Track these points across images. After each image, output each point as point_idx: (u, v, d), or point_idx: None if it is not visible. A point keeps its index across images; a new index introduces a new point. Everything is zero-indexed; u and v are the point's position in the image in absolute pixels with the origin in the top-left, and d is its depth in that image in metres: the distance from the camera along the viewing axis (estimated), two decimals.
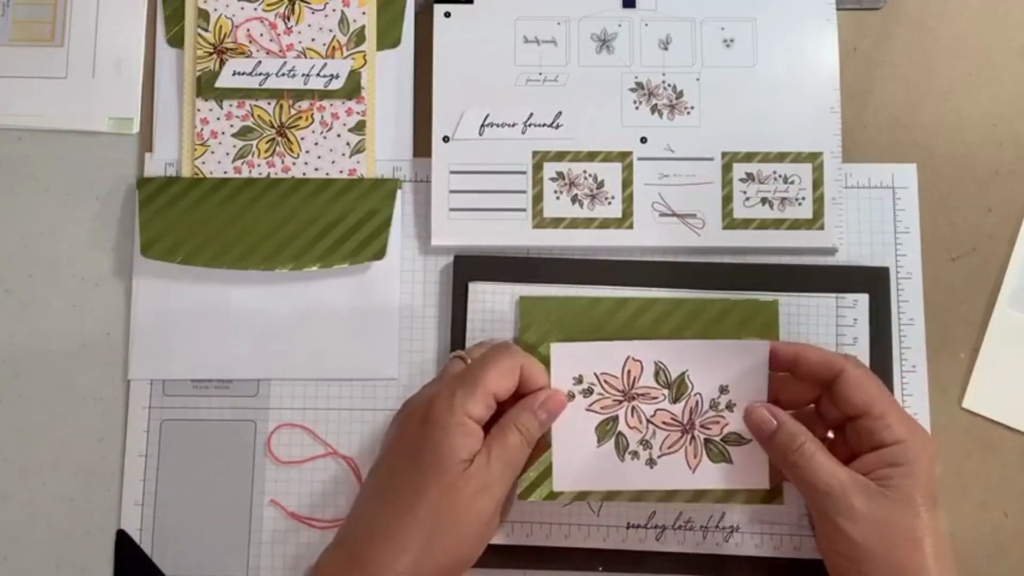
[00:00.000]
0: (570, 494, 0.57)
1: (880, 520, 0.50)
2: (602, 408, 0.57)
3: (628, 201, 0.62)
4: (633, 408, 0.57)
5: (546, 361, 0.57)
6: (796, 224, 0.62)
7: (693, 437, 0.56)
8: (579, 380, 0.57)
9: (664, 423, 0.56)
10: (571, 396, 0.57)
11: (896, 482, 0.51)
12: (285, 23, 0.64)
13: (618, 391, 0.57)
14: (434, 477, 0.51)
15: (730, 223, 0.62)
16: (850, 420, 0.54)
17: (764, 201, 0.62)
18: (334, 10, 0.64)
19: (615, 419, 0.56)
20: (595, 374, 0.57)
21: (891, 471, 0.51)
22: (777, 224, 0.62)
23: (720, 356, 0.56)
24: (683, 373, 0.57)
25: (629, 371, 0.57)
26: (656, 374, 0.57)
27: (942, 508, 0.51)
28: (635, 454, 0.56)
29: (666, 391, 0.57)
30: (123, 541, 0.60)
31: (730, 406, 0.56)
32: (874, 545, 0.50)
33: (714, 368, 0.56)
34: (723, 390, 0.56)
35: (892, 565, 0.50)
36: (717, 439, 0.56)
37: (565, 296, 0.60)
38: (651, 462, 0.56)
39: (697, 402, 0.56)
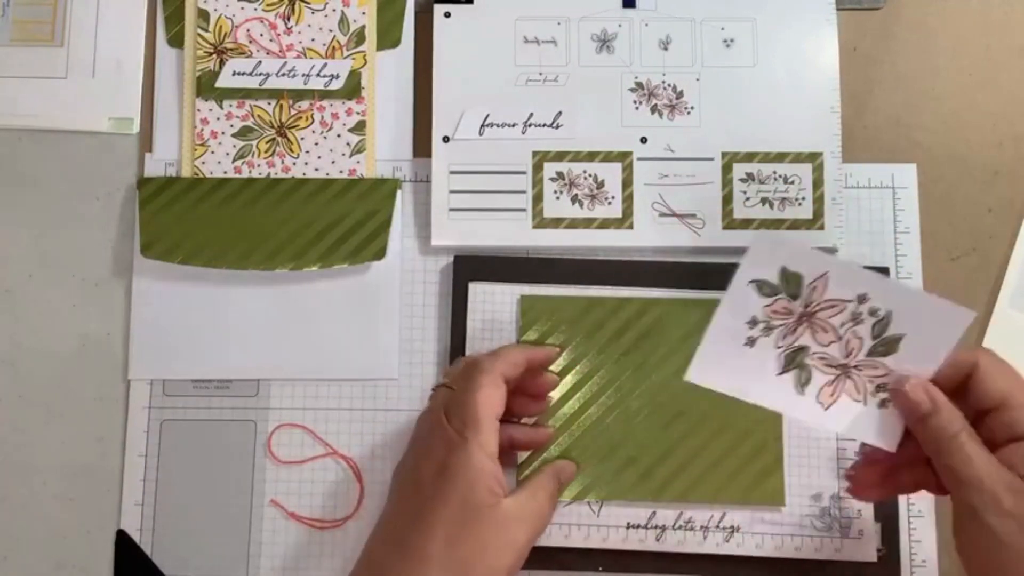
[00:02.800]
0: (570, 493, 0.57)
1: None
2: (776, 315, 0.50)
3: (628, 201, 0.62)
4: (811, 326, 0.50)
5: None
6: (796, 224, 0.62)
7: (849, 376, 0.51)
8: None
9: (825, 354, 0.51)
10: (766, 290, 0.50)
11: None
12: (285, 23, 0.64)
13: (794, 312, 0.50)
14: (464, 521, 0.50)
15: (730, 223, 0.62)
16: (986, 414, 0.50)
17: (764, 201, 0.62)
18: (334, 10, 0.64)
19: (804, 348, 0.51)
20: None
21: None
22: (777, 224, 0.61)
23: (917, 307, 0.50)
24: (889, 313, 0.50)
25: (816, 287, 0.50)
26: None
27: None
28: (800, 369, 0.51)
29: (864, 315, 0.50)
30: (123, 541, 0.60)
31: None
32: (1019, 544, 0.47)
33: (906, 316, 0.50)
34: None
35: None
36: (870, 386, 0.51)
37: (565, 296, 0.60)
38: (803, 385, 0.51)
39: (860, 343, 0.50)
